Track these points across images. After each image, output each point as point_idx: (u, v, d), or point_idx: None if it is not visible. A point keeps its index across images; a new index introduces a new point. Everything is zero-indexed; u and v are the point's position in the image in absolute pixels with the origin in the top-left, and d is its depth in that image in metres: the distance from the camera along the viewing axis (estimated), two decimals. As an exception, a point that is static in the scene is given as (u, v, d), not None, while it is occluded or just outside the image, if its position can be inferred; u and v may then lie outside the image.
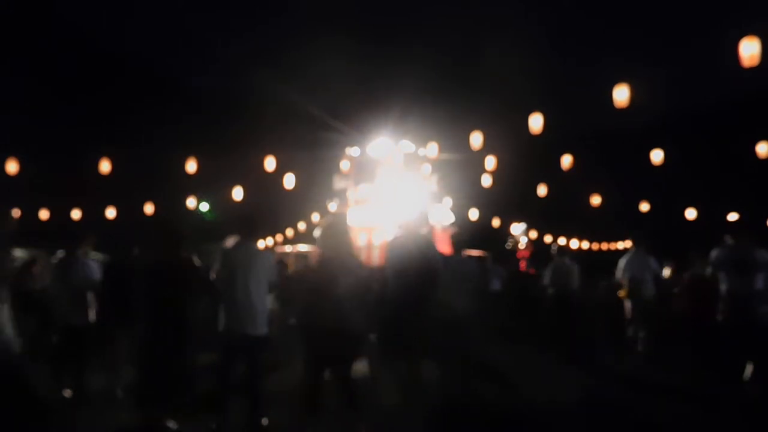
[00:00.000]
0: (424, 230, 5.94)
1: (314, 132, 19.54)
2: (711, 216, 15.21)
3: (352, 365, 4.79)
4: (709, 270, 6.77)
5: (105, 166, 12.37)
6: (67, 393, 5.75)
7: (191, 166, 12.51)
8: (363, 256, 10.01)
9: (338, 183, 11.78)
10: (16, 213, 4.24)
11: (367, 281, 4.98)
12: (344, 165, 11.54)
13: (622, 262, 8.76)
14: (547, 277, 9.87)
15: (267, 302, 5.12)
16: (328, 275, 4.64)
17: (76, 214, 15.63)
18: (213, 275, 5.22)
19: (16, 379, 3.62)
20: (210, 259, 5.84)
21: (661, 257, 9.54)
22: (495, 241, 25.98)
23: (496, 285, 12.72)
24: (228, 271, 4.93)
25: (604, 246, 30.69)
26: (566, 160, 12.66)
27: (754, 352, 6.23)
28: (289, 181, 12.77)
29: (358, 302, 4.67)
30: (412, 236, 5.42)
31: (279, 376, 6.05)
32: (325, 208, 12.21)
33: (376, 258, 10.45)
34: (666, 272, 10.47)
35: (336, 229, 4.84)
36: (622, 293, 8.87)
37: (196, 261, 5.19)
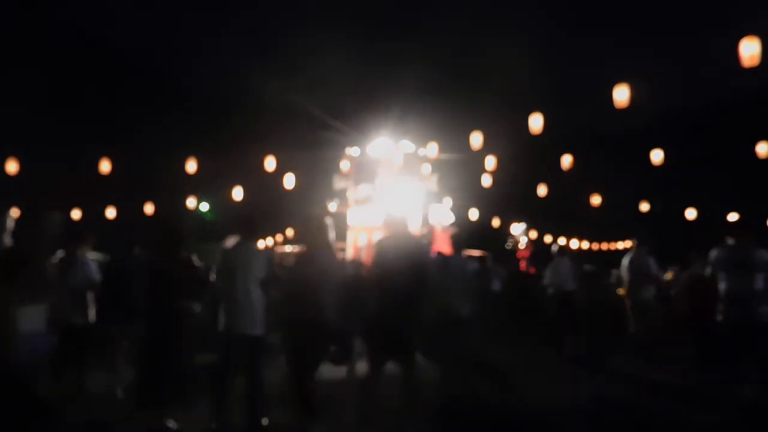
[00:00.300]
0: (413, 229, 5.88)
1: (314, 132, 19.51)
2: (711, 216, 15.21)
3: (321, 363, 4.82)
4: (708, 270, 6.77)
5: (105, 166, 12.38)
6: (68, 393, 5.74)
7: (191, 166, 12.52)
8: (362, 255, 10.01)
9: (338, 183, 11.79)
10: (58, 214, 4.28)
11: (346, 277, 5.05)
12: (344, 165, 11.53)
13: (625, 261, 8.78)
14: (547, 277, 9.88)
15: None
16: (306, 270, 4.72)
17: (76, 214, 15.62)
18: (213, 275, 5.22)
19: (19, 378, 3.62)
20: (210, 259, 5.85)
21: (662, 258, 9.55)
22: (495, 241, 25.99)
23: (496, 285, 12.72)
24: (228, 271, 4.94)
25: (604, 246, 30.71)
26: (566, 160, 12.67)
27: (753, 352, 6.23)
28: (289, 181, 12.77)
29: (336, 296, 4.76)
30: (401, 236, 5.28)
31: (279, 376, 6.04)
32: (325, 208, 12.20)
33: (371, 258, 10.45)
34: (669, 274, 10.51)
35: (314, 226, 4.92)
36: (621, 291, 8.89)
37: (196, 261, 5.19)
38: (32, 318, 3.68)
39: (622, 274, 8.81)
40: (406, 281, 4.90)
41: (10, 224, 3.93)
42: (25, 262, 3.72)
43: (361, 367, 5.90)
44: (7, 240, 3.77)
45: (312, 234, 5.02)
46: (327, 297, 4.81)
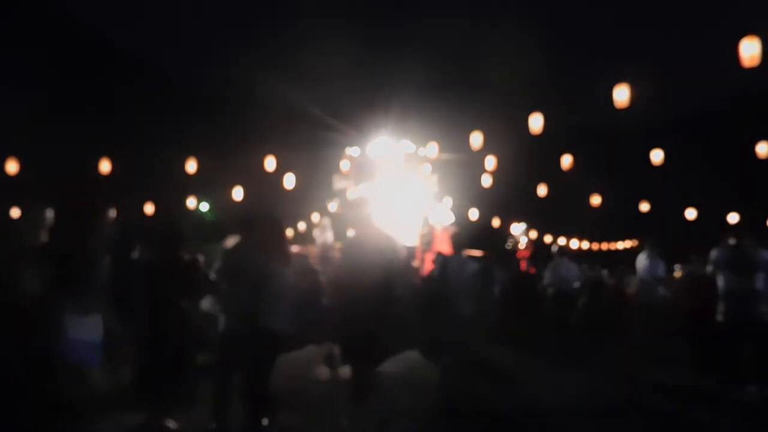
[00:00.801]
0: (385, 227, 5.59)
1: (314, 132, 19.53)
2: (711, 216, 15.21)
3: (271, 367, 4.76)
4: (709, 269, 6.78)
5: (105, 166, 12.39)
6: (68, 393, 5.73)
7: (191, 166, 12.53)
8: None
9: (338, 183, 11.76)
10: (113, 212, 4.22)
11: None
12: (344, 165, 11.51)
13: (638, 263, 8.86)
14: (547, 278, 9.88)
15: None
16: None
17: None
18: (213, 275, 5.22)
19: (51, 384, 3.58)
20: (210, 259, 5.84)
21: (664, 259, 9.59)
22: (495, 241, 25.98)
23: (495, 285, 12.72)
24: (228, 271, 4.93)
25: (604, 246, 30.71)
26: (566, 160, 12.67)
27: (753, 352, 6.24)
28: (289, 181, 12.77)
29: (290, 302, 4.72)
30: (371, 236, 5.03)
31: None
32: (325, 208, 12.19)
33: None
34: (677, 273, 10.56)
35: (269, 230, 4.87)
36: (630, 290, 8.96)
37: (199, 261, 5.19)
38: (87, 327, 3.63)
39: (638, 274, 8.89)
40: (373, 282, 4.71)
41: (48, 220, 3.87)
42: (77, 267, 3.66)
43: (345, 370, 5.83)
44: (44, 237, 3.71)
45: (268, 238, 4.88)
46: (280, 303, 4.72)
